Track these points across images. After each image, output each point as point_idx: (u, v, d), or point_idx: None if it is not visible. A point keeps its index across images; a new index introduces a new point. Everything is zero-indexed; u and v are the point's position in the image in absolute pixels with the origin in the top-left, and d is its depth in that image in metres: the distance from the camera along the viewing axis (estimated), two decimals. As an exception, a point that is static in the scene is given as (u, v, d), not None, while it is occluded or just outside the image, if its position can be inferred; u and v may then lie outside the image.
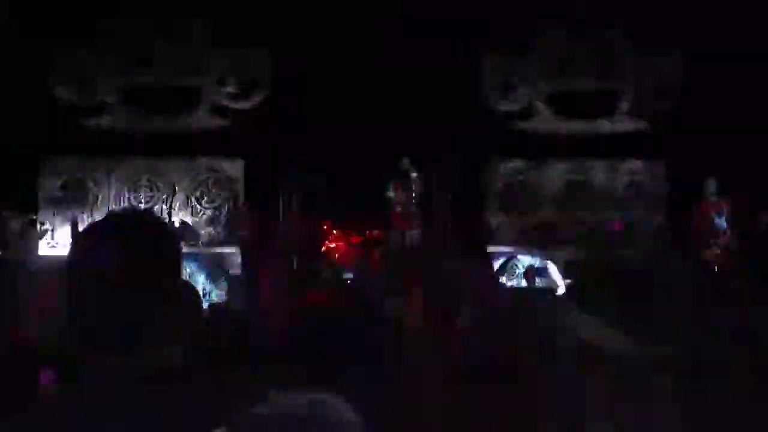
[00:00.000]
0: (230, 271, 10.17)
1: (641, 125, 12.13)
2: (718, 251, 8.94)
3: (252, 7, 11.66)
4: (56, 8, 11.31)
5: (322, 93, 11.32)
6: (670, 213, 10.81)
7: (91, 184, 11.08)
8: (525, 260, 10.30)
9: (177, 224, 10.44)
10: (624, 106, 12.26)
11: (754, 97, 10.07)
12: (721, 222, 9.03)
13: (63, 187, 11.00)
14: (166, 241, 1.38)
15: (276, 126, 11.31)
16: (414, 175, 10.45)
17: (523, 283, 8.30)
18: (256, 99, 11.80)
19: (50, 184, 10.94)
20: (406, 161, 10.33)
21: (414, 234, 10.24)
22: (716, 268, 8.99)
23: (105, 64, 11.67)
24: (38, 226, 10.55)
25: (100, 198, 11.00)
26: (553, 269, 8.95)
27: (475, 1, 11.53)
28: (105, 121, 11.60)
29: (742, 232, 8.96)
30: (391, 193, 10.22)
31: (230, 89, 11.84)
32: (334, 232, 10.95)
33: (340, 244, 10.85)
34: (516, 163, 11.76)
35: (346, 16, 11.46)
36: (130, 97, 11.74)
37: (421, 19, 11.32)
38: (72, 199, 10.96)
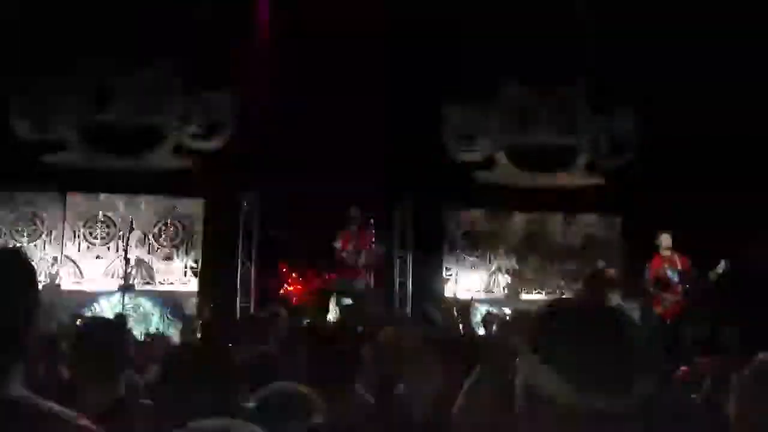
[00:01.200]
0: (186, 311, 10.00)
1: (597, 180, 12.45)
2: (670, 304, 9.09)
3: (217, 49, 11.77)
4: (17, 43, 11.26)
5: (282, 135, 11.42)
6: (626, 266, 11.02)
7: (44, 219, 10.83)
8: (482, 308, 10.35)
9: (132, 262, 10.27)
10: (581, 160, 12.58)
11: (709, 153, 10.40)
12: (674, 275, 9.19)
13: (17, 220, 10.75)
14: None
15: (237, 166, 11.31)
16: (364, 223, 10.43)
17: (481, 331, 8.28)
18: (219, 140, 11.80)
19: (4, 217, 10.69)
20: (354, 210, 10.34)
21: (359, 283, 10.21)
22: (668, 320, 9.16)
23: (65, 100, 11.56)
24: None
25: (53, 233, 10.76)
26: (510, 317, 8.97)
27: (438, 54, 11.83)
28: (63, 157, 11.43)
29: (693, 286, 9.11)
30: (338, 243, 10.17)
31: (193, 129, 11.83)
32: (293, 275, 10.89)
33: (298, 287, 10.77)
34: (476, 213, 11.88)
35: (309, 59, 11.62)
36: (90, 135, 11.62)
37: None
38: (24, 233, 10.70)
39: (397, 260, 11.50)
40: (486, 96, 12.50)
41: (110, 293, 10.24)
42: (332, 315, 9.96)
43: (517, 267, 11.66)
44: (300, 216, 10.74)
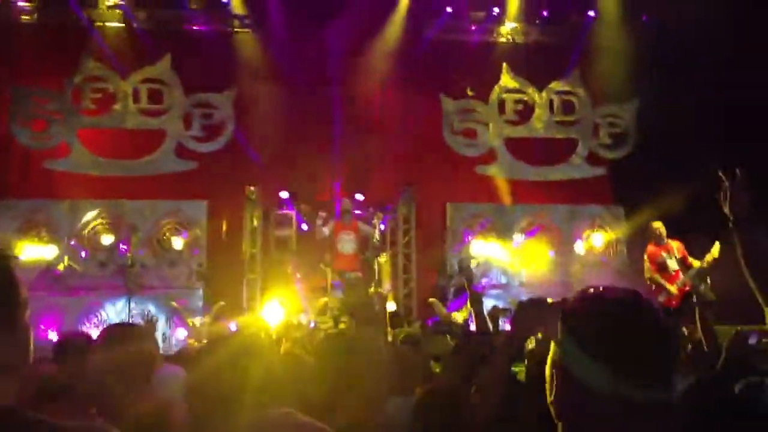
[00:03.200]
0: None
1: (598, 171, 12.55)
2: (671, 293, 9.10)
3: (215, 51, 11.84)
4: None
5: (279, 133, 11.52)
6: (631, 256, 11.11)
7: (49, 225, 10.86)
8: (488, 302, 10.37)
9: (137, 266, 10.30)
10: (581, 152, 12.67)
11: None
12: (672, 262, 9.20)
13: (20, 228, 10.76)
14: None
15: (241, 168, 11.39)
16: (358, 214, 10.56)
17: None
18: (221, 141, 11.85)
19: (8, 225, 10.69)
20: (346, 202, 10.41)
21: (353, 276, 10.23)
22: (668, 309, 9.17)
23: (66, 106, 11.61)
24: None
25: (62, 240, 10.78)
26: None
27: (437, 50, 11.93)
28: (65, 163, 11.47)
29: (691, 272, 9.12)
30: (325, 231, 10.25)
31: (195, 132, 11.88)
32: (298, 275, 10.94)
33: (304, 286, 10.83)
34: (479, 206, 11.95)
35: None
36: (90, 140, 11.67)
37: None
38: (30, 240, 10.71)
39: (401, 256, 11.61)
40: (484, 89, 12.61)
41: (117, 297, 10.27)
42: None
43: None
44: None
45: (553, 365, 1.35)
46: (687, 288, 9.04)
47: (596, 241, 11.78)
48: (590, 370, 1.26)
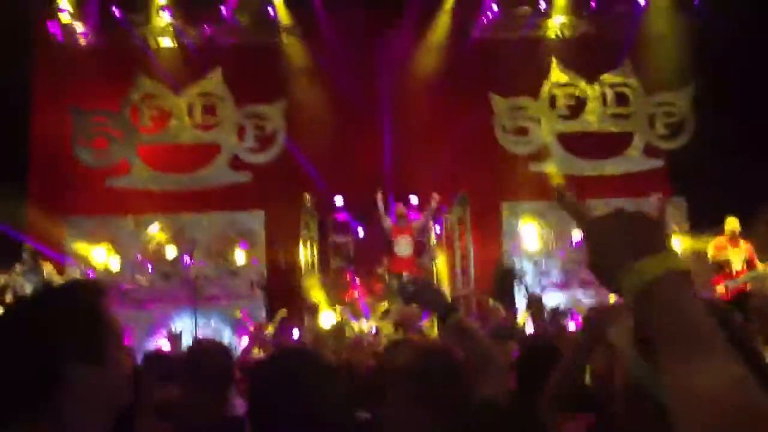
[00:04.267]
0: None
1: (656, 163, 12.29)
2: (732, 287, 8.87)
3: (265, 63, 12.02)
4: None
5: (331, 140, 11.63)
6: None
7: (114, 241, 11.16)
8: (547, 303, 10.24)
9: (200, 279, 10.49)
10: (638, 145, 12.44)
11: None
12: (737, 259, 8.98)
13: (86, 246, 11.08)
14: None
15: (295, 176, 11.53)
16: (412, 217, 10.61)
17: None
18: (275, 151, 12.01)
19: (74, 244, 11.02)
20: (400, 206, 10.49)
21: (407, 276, 10.23)
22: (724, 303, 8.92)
23: (124, 124, 11.93)
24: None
25: (126, 255, 11.07)
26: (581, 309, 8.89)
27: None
28: (126, 180, 11.78)
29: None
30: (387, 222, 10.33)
31: (248, 143, 12.07)
32: (357, 280, 11.01)
33: (363, 292, 10.89)
34: (534, 204, 11.82)
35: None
36: (148, 156, 11.96)
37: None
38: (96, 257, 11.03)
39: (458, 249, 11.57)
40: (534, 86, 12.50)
41: (183, 310, 10.48)
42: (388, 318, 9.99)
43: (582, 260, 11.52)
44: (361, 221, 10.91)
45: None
46: (745, 288, 8.83)
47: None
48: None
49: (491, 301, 10.05)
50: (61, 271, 8.73)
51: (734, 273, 8.94)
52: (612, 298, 9.17)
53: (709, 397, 0.86)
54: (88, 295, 1.39)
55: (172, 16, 12.06)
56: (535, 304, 8.23)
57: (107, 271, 10.79)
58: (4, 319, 1.38)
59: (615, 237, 0.99)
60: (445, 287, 11.34)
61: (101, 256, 10.87)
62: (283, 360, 2.14)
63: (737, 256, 8.97)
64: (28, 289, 8.45)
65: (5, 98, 10.27)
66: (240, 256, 11.03)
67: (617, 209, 1.02)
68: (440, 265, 11.48)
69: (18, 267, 8.57)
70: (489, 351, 2.31)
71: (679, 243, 10.49)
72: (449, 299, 2.41)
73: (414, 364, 1.99)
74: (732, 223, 9.06)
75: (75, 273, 10.44)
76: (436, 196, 10.32)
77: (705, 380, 0.87)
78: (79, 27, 12.03)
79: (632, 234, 0.98)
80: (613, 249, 0.98)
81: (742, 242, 9.03)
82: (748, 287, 8.82)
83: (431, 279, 11.16)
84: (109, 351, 1.35)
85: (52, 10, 11.69)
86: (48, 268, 8.62)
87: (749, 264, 8.92)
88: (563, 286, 11.45)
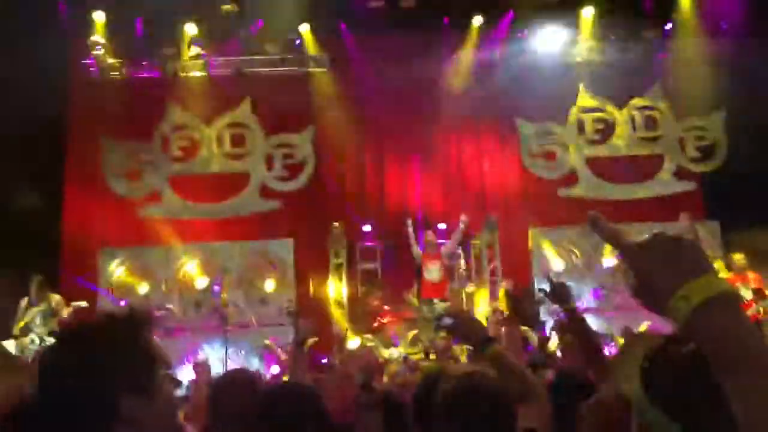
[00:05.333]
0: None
1: (688, 186, 12.15)
2: None
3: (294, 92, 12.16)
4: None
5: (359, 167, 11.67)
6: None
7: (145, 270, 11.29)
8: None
9: (230, 306, 10.55)
10: (669, 168, 12.32)
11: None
12: (747, 293, 8.98)
13: (119, 276, 11.22)
14: None
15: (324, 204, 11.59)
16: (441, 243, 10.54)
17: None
18: (303, 180, 12.12)
19: (107, 274, 11.16)
20: (429, 234, 10.43)
21: (439, 303, 10.15)
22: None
23: (156, 155, 12.13)
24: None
25: (158, 284, 11.17)
26: (613, 334, 8.77)
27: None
28: (158, 210, 11.94)
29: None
30: (422, 267, 10.24)
31: (277, 172, 12.19)
32: (386, 308, 10.96)
33: (392, 319, 10.83)
34: (563, 230, 11.71)
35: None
36: (179, 186, 12.13)
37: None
38: (128, 287, 11.16)
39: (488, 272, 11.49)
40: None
41: (214, 337, 10.52)
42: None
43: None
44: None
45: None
46: (758, 317, 8.71)
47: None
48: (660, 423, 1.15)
49: (523, 328, 9.97)
50: (68, 303, 8.70)
51: (747, 304, 8.91)
52: (643, 327, 9.08)
53: None
54: (137, 327, 1.37)
55: (202, 47, 12.28)
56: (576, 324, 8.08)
57: (142, 300, 10.90)
58: (58, 354, 1.36)
59: (659, 261, 0.96)
60: (478, 314, 11.27)
61: (139, 287, 11.02)
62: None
63: (746, 289, 8.97)
64: (38, 322, 8.45)
65: (42, 133, 10.54)
66: (270, 287, 11.07)
67: (657, 233, 1.00)
68: (470, 292, 11.38)
69: (25, 300, 8.52)
70: (528, 382, 2.26)
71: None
72: (486, 330, 2.37)
73: (460, 396, 1.97)
74: (737, 258, 9.10)
75: (107, 304, 10.57)
76: (464, 218, 10.27)
77: None
78: (111, 61, 12.30)
79: (676, 257, 0.96)
80: (658, 274, 0.96)
81: (749, 274, 9.04)
82: (760, 317, 8.72)
83: (461, 304, 11.09)
84: (159, 382, 1.35)
85: (87, 45, 11.98)
86: (56, 300, 8.64)
87: (757, 293, 8.90)
88: (595, 311, 11.28)
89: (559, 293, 3.30)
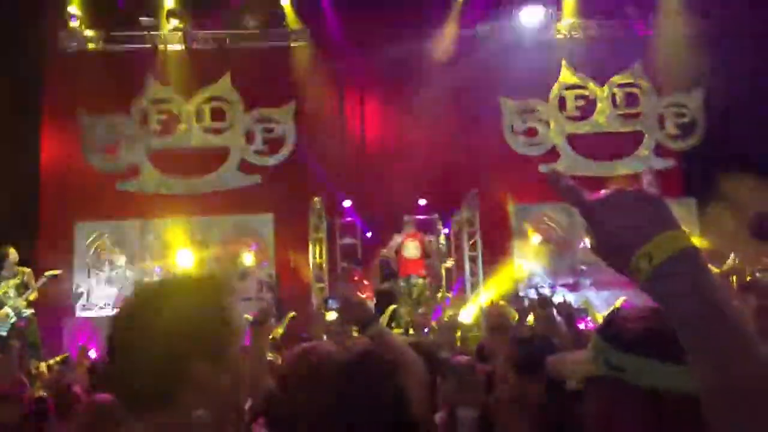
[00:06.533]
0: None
1: (667, 163, 12.21)
2: None
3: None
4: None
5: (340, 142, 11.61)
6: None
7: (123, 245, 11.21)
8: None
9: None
10: (648, 144, 12.37)
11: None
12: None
13: (95, 250, 11.14)
14: None
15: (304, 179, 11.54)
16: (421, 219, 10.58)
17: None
18: (284, 154, 12.05)
19: (84, 248, 11.06)
20: (407, 218, 10.44)
21: (416, 279, 10.18)
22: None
23: (134, 129, 12.01)
24: (74, 287, 10.67)
25: (136, 259, 11.11)
26: (591, 309, 8.82)
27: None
28: (136, 184, 11.84)
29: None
30: (398, 239, 10.25)
31: (257, 146, 12.11)
32: (365, 283, 10.97)
33: (371, 294, 10.84)
34: (544, 207, 11.74)
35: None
36: (158, 160, 12.03)
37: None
38: (104, 260, 11.08)
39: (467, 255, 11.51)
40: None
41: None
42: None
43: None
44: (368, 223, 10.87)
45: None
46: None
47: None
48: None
49: (502, 304, 10.01)
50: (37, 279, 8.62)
51: None
52: (619, 301, 9.16)
53: (753, 386, 0.80)
54: (214, 293, 1.33)
55: (182, 20, 12.12)
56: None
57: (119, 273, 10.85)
58: (135, 309, 1.31)
59: (620, 217, 0.89)
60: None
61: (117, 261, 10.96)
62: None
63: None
64: (12, 294, 8.36)
65: (17, 106, 10.39)
66: (249, 260, 11.02)
67: (618, 189, 0.93)
68: (449, 267, 11.42)
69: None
70: (406, 357, 2.21)
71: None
72: (370, 311, 2.36)
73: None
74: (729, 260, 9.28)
75: (83, 278, 10.50)
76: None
77: (745, 370, 0.80)
78: (88, 33, 12.11)
79: (638, 212, 0.89)
80: (619, 231, 0.89)
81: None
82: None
83: (440, 281, 11.12)
84: (233, 352, 1.33)
85: (62, 17, 11.78)
86: (26, 273, 8.55)
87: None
88: (574, 287, 11.35)
89: (542, 302, 4.42)
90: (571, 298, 10.65)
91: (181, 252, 10.91)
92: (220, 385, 1.28)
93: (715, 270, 8.78)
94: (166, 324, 1.25)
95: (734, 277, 8.55)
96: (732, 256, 8.35)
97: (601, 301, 10.43)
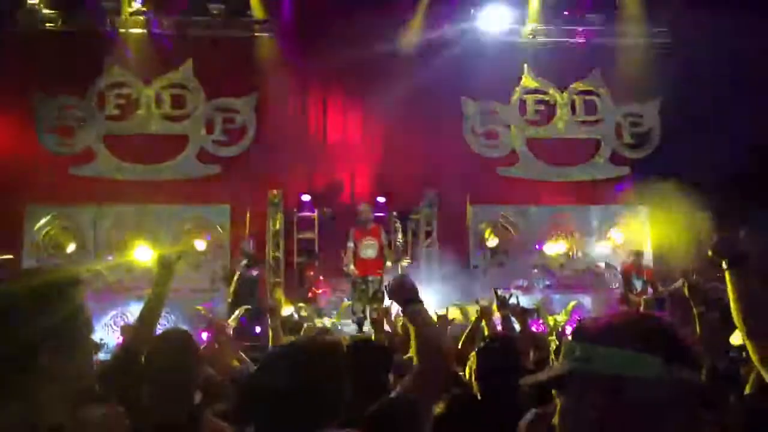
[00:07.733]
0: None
1: (622, 171, 12.46)
2: (633, 305, 9.22)
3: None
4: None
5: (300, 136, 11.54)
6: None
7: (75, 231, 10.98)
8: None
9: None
10: (605, 152, 12.60)
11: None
12: (638, 283, 9.99)
13: (46, 234, 10.89)
14: None
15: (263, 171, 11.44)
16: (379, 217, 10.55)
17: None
18: (244, 145, 11.94)
19: (34, 231, 10.81)
20: (364, 206, 10.29)
21: (374, 280, 10.11)
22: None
23: (90, 112, 11.75)
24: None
25: (87, 245, 10.89)
26: (543, 311, 8.95)
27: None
28: (91, 169, 11.60)
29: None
30: (350, 242, 10.09)
31: (217, 136, 11.98)
32: (321, 278, 10.95)
33: (326, 289, 10.84)
34: (503, 209, 11.89)
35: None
36: (114, 145, 11.80)
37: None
38: (55, 245, 10.84)
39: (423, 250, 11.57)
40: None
41: (142, 300, 10.30)
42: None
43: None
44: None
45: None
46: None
47: (618, 241, 11.67)
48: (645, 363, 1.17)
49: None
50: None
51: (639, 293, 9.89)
52: (571, 304, 9.33)
53: None
54: (64, 285, 1.39)
55: (144, 4, 11.89)
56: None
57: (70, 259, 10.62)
58: None
59: None
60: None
61: (67, 246, 10.72)
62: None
63: (637, 279, 10.19)
64: None
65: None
66: (201, 246, 10.85)
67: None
68: (406, 266, 11.45)
69: None
70: (435, 339, 2.48)
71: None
72: (414, 293, 2.53)
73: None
74: (639, 257, 10.37)
75: (32, 262, 10.26)
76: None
77: None
78: (47, 12, 11.79)
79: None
80: None
81: (644, 268, 10.29)
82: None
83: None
84: (81, 340, 1.39)
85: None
86: None
87: (645, 286, 10.01)
88: (527, 289, 11.51)
89: (502, 303, 5.13)
90: (524, 300, 10.95)
91: (139, 246, 10.72)
92: (69, 372, 1.34)
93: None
94: (16, 320, 1.29)
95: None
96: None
97: (554, 304, 10.64)
